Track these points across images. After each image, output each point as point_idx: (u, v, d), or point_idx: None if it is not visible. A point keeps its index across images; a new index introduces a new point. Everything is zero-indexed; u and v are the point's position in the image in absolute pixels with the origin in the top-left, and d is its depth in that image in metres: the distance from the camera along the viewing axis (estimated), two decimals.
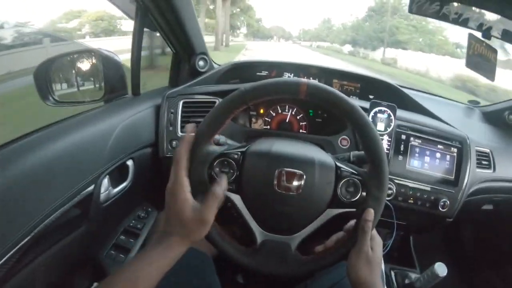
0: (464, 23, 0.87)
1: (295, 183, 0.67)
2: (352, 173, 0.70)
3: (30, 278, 0.65)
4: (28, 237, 0.62)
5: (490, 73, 0.96)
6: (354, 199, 0.69)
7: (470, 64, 0.98)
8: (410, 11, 0.89)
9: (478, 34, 0.91)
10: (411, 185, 1.06)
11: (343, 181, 0.70)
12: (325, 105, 0.68)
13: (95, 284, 0.90)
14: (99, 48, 1.05)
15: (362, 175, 0.70)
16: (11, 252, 0.58)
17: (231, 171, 0.70)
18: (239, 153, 0.71)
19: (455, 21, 0.87)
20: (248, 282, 1.17)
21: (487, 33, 0.88)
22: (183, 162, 0.64)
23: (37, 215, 0.65)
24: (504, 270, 1.24)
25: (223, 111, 0.67)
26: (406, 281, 1.16)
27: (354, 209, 0.69)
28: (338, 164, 0.71)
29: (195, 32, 1.20)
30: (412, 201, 1.07)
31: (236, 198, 0.70)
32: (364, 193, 0.69)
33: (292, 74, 1.38)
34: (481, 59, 0.94)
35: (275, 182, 0.67)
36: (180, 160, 0.64)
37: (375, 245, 0.68)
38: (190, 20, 1.14)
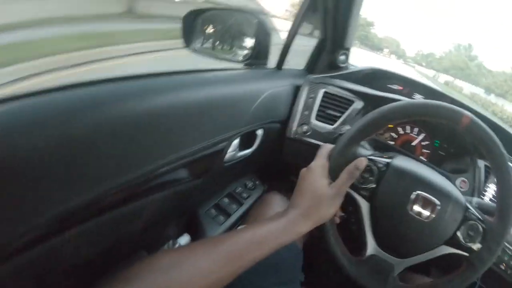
0: None
1: (428, 210, 0.66)
2: (478, 218, 0.68)
3: (130, 215, 0.66)
4: (145, 177, 0.62)
5: None
6: (471, 244, 0.68)
7: None
8: None
9: None
10: (510, 250, 0.95)
11: (468, 223, 0.68)
12: (477, 143, 0.68)
13: (186, 235, 0.92)
14: (256, 13, 1.07)
15: (486, 223, 0.68)
16: (125, 184, 0.58)
17: (371, 178, 0.70)
18: (384, 163, 0.71)
19: None
20: (308, 282, 1.16)
21: None
22: (329, 151, 0.69)
23: (165, 158, 0.65)
24: None
25: (380, 120, 0.68)
26: None
27: (466, 254, 0.68)
28: (468, 205, 0.70)
29: (352, 27, 1.19)
30: (503, 268, 0.97)
31: (365, 206, 0.70)
32: (481, 242, 0.67)
33: (423, 98, 1.31)
34: None
35: (410, 203, 0.67)
36: (326, 150, 0.69)
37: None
38: (354, 14, 1.12)
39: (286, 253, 0.82)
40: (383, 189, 0.69)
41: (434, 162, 1.10)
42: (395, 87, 1.33)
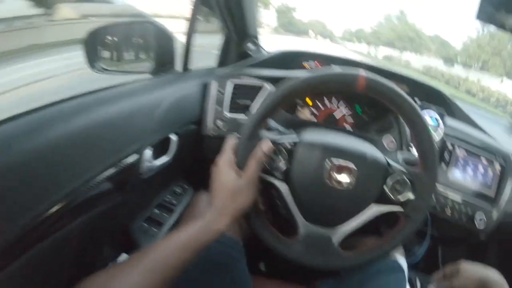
0: None
1: (346, 176, 0.68)
2: (402, 171, 0.70)
3: (59, 244, 0.65)
4: (63, 202, 0.62)
5: None
6: (402, 197, 0.70)
7: None
8: (478, 18, 0.85)
9: None
10: (450, 195, 1.03)
11: (392, 178, 0.69)
12: (381, 99, 0.68)
13: (124, 254, 0.90)
14: (153, 20, 1.06)
15: (412, 174, 0.70)
16: (43, 217, 0.57)
17: (281, 159, 0.70)
18: (292, 142, 0.71)
19: None
20: (270, 270, 1.17)
21: None
22: (234, 143, 0.69)
23: (76, 180, 0.64)
24: None
25: (279, 99, 0.68)
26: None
27: (400, 208, 0.70)
28: (389, 161, 0.71)
29: (252, 15, 1.21)
30: (449, 212, 1.04)
31: (283, 187, 0.70)
32: (412, 193, 0.69)
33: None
34: None
35: (326, 174, 0.68)
36: (232, 141, 0.69)
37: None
38: (250, 3, 1.14)
39: (228, 250, 0.82)
40: (296, 167, 0.70)
41: (360, 128, 1.15)
42: (312, 64, 1.37)
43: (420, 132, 0.68)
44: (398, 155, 0.79)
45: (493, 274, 0.80)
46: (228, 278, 0.79)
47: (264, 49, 1.40)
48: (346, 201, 0.70)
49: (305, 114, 1.16)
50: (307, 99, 1.17)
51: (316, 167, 0.69)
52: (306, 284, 0.90)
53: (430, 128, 0.69)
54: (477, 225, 1.02)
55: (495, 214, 1.03)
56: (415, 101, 1.24)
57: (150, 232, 0.97)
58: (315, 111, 1.16)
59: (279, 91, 0.68)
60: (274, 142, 0.70)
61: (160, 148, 0.95)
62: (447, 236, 1.16)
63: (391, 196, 0.70)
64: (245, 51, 1.29)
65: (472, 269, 0.82)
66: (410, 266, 0.99)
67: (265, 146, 0.66)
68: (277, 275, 0.96)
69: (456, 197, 1.03)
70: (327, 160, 0.68)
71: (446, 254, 1.36)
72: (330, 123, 1.15)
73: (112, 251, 0.91)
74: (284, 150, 0.70)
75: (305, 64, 1.36)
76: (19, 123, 0.59)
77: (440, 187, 1.03)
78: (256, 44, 1.32)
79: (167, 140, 0.97)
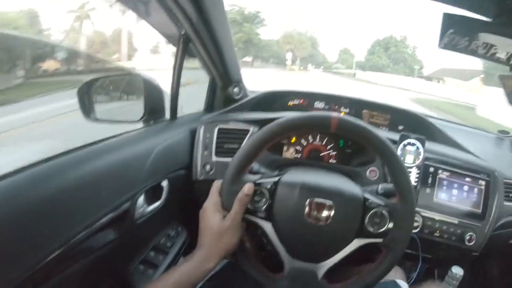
0: (492, 57, 0.89)
1: (325, 213, 0.71)
2: (379, 204, 0.73)
3: None
4: (62, 249, 0.66)
5: None
6: (381, 230, 0.72)
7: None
8: (440, 46, 0.92)
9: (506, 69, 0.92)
10: (437, 217, 1.06)
11: (371, 212, 0.73)
12: (355, 138, 0.74)
13: None
14: (141, 72, 1.13)
15: (389, 206, 0.73)
16: (43, 263, 0.61)
17: (264, 199, 0.74)
18: (271, 183, 0.75)
19: (484, 56, 0.89)
20: None
21: None
22: (219, 187, 0.75)
23: (74, 228, 0.69)
24: None
25: (257, 144, 0.73)
26: None
27: (381, 240, 0.73)
28: (366, 195, 0.75)
29: (232, 61, 1.27)
30: (438, 234, 1.07)
31: (267, 226, 0.74)
32: (391, 224, 0.72)
33: (324, 104, 1.41)
34: None
35: (306, 212, 0.71)
36: (217, 186, 0.75)
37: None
38: (228, 51, 1.21)
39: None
40: (277, 207, 0.74)
41: (344, 160, 1.19)
42: (296, 102, 1.43)
43: (393, 166, 0.72)
44: (380, 186, 0.82)
45: None
46: None
47: (249, 91, 1.46)
48: (328, 237, 0.73)
49: (290, 152, 1.20)
50: (293, 138, 1.21)
51: (296, 206, 0.72)
52: None
53: (399, 155, 0.74)
54: (467, 243, 1.05)
55: (484, 229, 1.06)
56: (398, 129, 1.31)
57: (146, 274, 1.00)
58: (299, 148, 1.20)
59: (258, 136, 0.74)
60: (256, 184, 0.74)
61: (153, 194, 0.99)
62: (442, 258, 1.18)
63: (371, 229, 0.72)
64: (229, 96, 1.35)
65: None
66: None
67: (248, 188, 0.72)
68: None
69: (443, 218, 1.06)
70: (306, 198, 0.72)
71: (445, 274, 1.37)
72: (314, 158, 1.19)
73: None
74: (265, 191, 0.74)
75: (290, 103, 1.42)
76: (20, 177, 0.64)
77: (426, 211, 1.06)
78: (240, 87, 1.38)
79: (159, 186, 1.01)
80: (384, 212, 0.72)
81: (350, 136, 0.74)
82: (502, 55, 0.86)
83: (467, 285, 1.19)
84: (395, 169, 0.72)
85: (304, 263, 0.74)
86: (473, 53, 0.88)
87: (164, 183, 1.02)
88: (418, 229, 1.07)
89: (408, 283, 1.08)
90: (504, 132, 1.56)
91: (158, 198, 1.01)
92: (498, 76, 0.96)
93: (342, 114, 0.73)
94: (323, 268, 0.74)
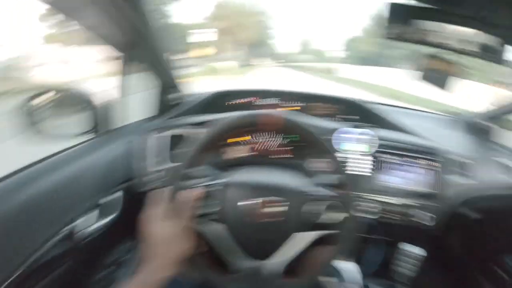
0: (440, 44, 0.89)
1: (276, 210, 0.72)
2: (323, 196, 0.75)
3: None
4: (13, 276, 0.63)
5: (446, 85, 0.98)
6: (331, 220, 0.74)
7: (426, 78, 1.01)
8: (386, 36, 0.91)
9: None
10: (396, 202, 1.08)
11: (320, 204, 0.74)
12: (286, 133, 0.82)
13: None
14: (79, 87, 1.07)
15: (334, 196, 0.75)
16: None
17: (215, 202, 0.74)
18: (221, 185, 0.76)
19: (427, 43, 0.89)
20: None
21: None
22: (164, 195, 0.72)
23: (22, 253, 0.66)
24: (494, 274, 1.26)
25: (200, 147, 0.73)
26: None
27: (332, 230, 0.74)
28: (313, 188, 0.77)
29: (172, 66, 1.24)
30: (398, 217, 1.10)
31: (220, 227, 0.74)
32: (338, 214, 0.74)
33: (273, 100, 1.41)
34: (437, 73, 0.96)
35: (257, 210, 0.72)
36: (162, 194, 0.72)
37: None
38: (162, 59, 1.18)
39: None
40: (229, 208, 0.74)
41: (299, 154, 1.17)
42: (244, 100, 1.42)
43: (328, 158, 0.76)
44: (326, 176, 0.83)
45: None
46: None
47: (194, 93, 1.43)
48: (281, 234, 0.74)
49: (234, 152, 1.17)
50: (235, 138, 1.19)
51: (247, 205, 0.73)
52: None
53: (364, 143, 0.87)
54: (427, 223, 1.08)
55: (442, 208, 1.10)
56: (351, 118, 1.32)
57: None
58: (243, 147, 1.18)
59: (200, 140, 0.73)
60: (204, 187, 0.74)
61: (104, 209, 0.96)
62: (404, 240, 1.20)
63: (321, 220, 0.74)
64: (173, 101, 1.32)
65: None
66: (368, 274, 1.04)
67: (196, 193, 0.71)
68: None
69: (402, 202, 1.08)
70: (256, 197, 0.73)
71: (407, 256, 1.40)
72: (261, 156, 1.17)
73: None
74: (215, 193, 0.74)
75: (237, 101, 1.41)
76: None
77: (383, 197, 1.09)
78: (181, 92, 1.35)
79: (108, 202, 0.98)
80: (332, 203, 0.74)
81: (282, 132, 0.76)
82: (451, 42, 0.88)
83: (429, 264, 1.22)
84: (332, 162, 0.76)
85: (258, 261, 0.75)
86: (421, 42, 0.89)
87: (114, 196, 0.99)
88: (377, 215, 1.09)
89: (370, 267, 1.09)
90: (455, 112, 1.60)
91: (108, 214, 0.98)
92: (417, 56, 0.97)
93: (275, 110, 0.75)
94: (280, 265, 0.75)
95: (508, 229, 1.25)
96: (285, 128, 0.74)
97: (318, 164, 1.11)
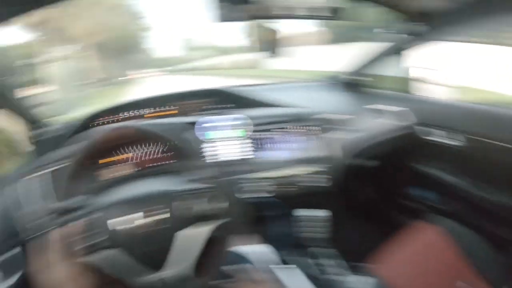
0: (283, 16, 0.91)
1: (159, 217, 0.72)
2: (199, 189, 0.76)
3: None
4: None
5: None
6: (213, 211, 0.75)
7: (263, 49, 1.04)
8: (220, 19, 0.90)
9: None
10: (288, 173, 1.11)
11: (196, 199, 0.75)
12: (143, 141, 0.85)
13: None
14: None
15: (202, 189, 0.76)
16: None
17: (98, 230, 0.69)
18: (99, 211, 0.72)
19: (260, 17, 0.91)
20: None
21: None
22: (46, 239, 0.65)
23: None
24: (404, 206, 1.41)
25: (66, 180, 0.72)
26: None
27: (214, 220, 0.75)
28: (186, 186, 0.77)
29: (26, 104, 1.15)
30: (295, 188, 1.13)
31: (113, 253, 0.70)
32: (219, 204, 0.75)
33: (147, 110, 1.36)
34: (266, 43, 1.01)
35: (137, 224, 0.71)
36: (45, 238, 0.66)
37: None
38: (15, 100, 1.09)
39: None
40: (116, 230, 0.70)
41: (177, 157, 1.08)
42: (126, 115, 1.35)
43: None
44: (200, 171, 0.83)
45: None
46: None
47: (69, 121, 1.32)
48: (168, 238, 0.73)
49: (111, 171, 1.03)
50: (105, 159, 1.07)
51: (124, 221, 0.71)
52: None
53: (239, 128, 0.95)
54: (323, 184, 1.12)
55: (337, 167, 1.15)
56: (227, 107, 1.33)
57: None
58: (116, 165, 1.04)
59: (64, 171, 0.72)
60: (84, 217, 0.69)
61: (10, 265, 0.88)
62: (310, 207, 1.24)
63: (202, 214, 0.74)
64: (38, 138, 1.20)
65: None
66: (283, 249, 1.07)
67: (76, 227, 0.67)
68: None
69: (294, 172, 1.11)
70: (136, 211, 0.71)
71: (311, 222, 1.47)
72: (143, 166, 1.06)
73: None
74: (96, 220, 0.70)
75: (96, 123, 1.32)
76: None
77: (274, 173, 1.09)
78: (44, 127, 1.24)
79: (13, 256, 0.90)
80: (212, 194, 0.75)
81: (138, 141, 0.83)
82: (298, 12, 0.90)
83: (341, 221, 1.28)
84: (191, 155, 0.81)
85: (163, 272, 0.74)
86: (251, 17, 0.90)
87: (16, 252, 0.90)
88: (272, 191, 1.12)
89: (282, 243, 1.11)
90: (326, 77, 1.69)
91: (19, 269, 0.89)
92: (257, 26, 1.00)
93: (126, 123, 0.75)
94: (188, 267, 0.75)
95: (400, 166, 1.38)
96: (139, 138, 0.77)
97: (190, 161, 1.09)
